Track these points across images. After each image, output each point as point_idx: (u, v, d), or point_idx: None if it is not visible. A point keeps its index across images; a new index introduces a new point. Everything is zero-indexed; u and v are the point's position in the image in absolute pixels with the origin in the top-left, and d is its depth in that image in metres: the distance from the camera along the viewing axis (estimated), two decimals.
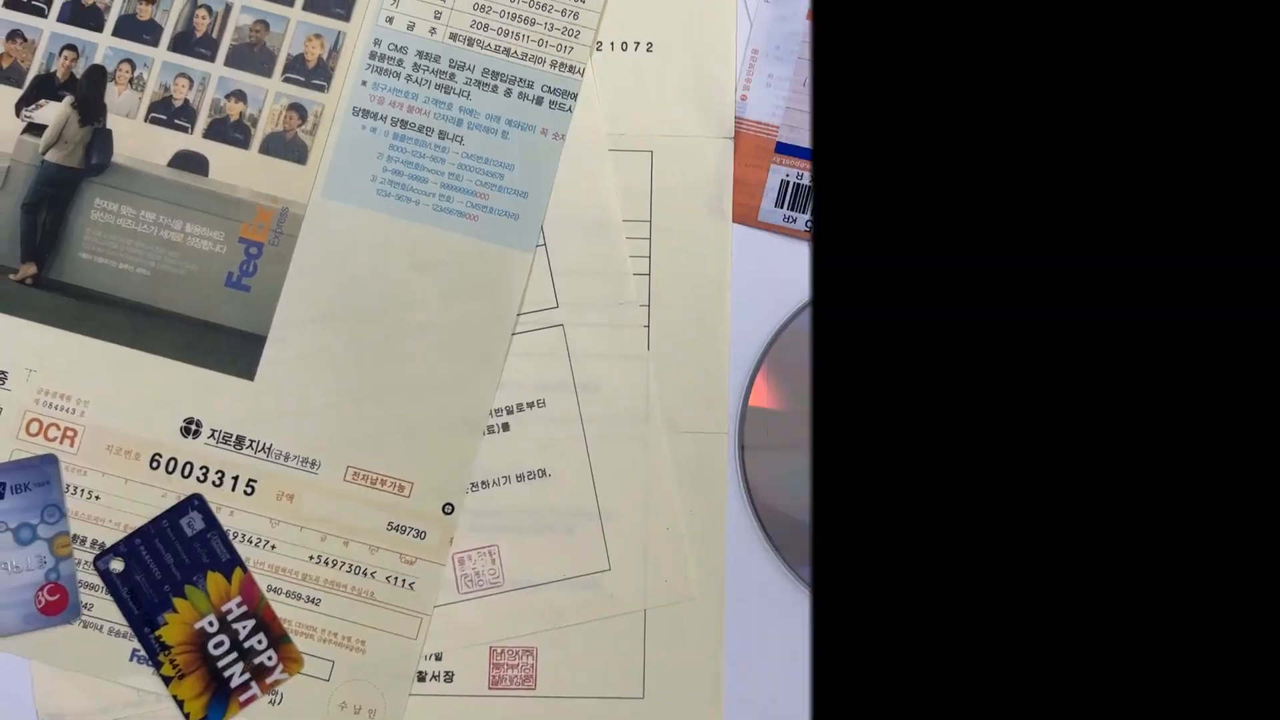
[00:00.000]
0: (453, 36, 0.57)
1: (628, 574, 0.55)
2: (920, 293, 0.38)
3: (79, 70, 0.57)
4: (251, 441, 0.55)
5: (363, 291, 0.56)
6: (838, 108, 0.39)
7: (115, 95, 0.57)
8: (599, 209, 0.57)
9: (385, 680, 0.54)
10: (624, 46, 0.58)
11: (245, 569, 0.54)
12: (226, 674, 0.53)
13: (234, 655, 0.54)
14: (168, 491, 0.55)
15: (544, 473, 0.55)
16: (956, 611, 0.37)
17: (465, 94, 0.57)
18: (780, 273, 0.57)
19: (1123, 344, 0.37)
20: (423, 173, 0.56)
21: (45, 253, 0.56)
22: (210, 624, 0.54)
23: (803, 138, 0.57)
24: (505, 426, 0.55)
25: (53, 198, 0.56)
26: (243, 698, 0.54)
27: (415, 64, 0.57)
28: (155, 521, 0.54)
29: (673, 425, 0.56)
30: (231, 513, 0.55)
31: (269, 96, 0.57)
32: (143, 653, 0.54)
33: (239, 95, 0.57)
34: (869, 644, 0.38)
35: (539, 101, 0.57)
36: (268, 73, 0.57)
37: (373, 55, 0.57)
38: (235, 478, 0.55)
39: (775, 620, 0.55)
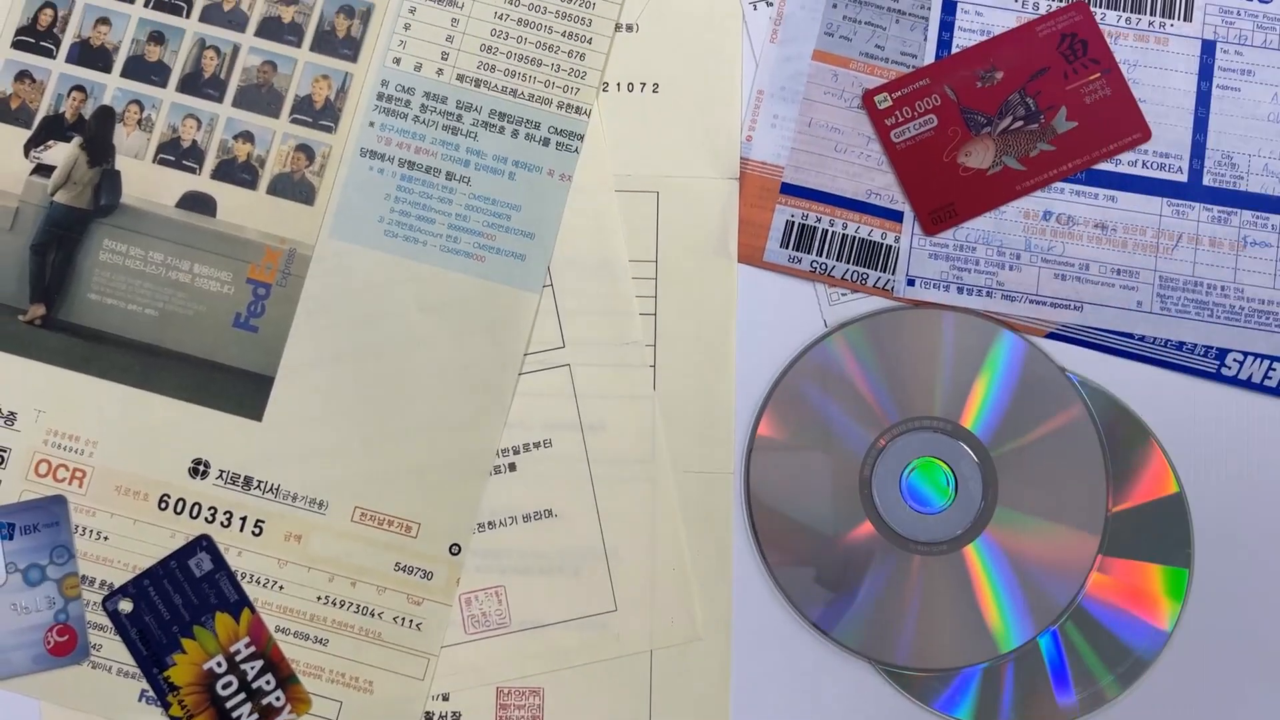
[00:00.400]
0: (460, 78, 0.57)
1: (634, 614, 0.55)
2: None
3: (87, 111, 0.57)
4: (260, 482, 0.55)
5: (370, 332, 0.56)
6: None
7: (124, 136, 0.57)
8: (605, 249, 0.57)
9: None
10: (630, 88, 0.58)
11: (253, 610, 0.54)
12: (235, 714, 0.54)
13: (242, 696, 0.54)
14: (176, 532, 0.55)
15: (550, 513, 0.55)
16: None
17: (472, 135, 0.57)
18: (785, 313, 0.57)
19: None
20: (430, 213, 0.57)
21: (54, 294, 0.56)
22: (219, 664, 0.54)
23: (808, 178, 0.58)
24: (512, 467, 0.56)
25: (61, 239, 0.56)
26: None
27: (422, 105, 0.57)
28: (164, 562, 0.55)
29: (679, 465, 0.56)
30: (240, 553, 0.55)
31: (276, 137, 0.57)
32: (151, 693, 0.54)
33: (247, 136, 0.57)
34: None
35: (545, 143, 0.57)
36: (275, 113, 0.57)
37: (380, 96, 0.57)
38: (243, 518, 0.55)
39: (782, 661, 0.55)
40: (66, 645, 0.54)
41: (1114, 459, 0.55)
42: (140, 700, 0.54)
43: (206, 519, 0.55)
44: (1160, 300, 0.57)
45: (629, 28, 0.58)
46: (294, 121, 0.57)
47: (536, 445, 0.56)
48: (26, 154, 0.57)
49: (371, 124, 0.57)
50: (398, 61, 0.57)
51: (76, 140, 0.57)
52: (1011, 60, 0.58)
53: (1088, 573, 0.54)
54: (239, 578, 0.55)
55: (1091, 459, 0.55)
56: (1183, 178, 0.57)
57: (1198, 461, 0.56)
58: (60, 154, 0.57)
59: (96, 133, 0.57)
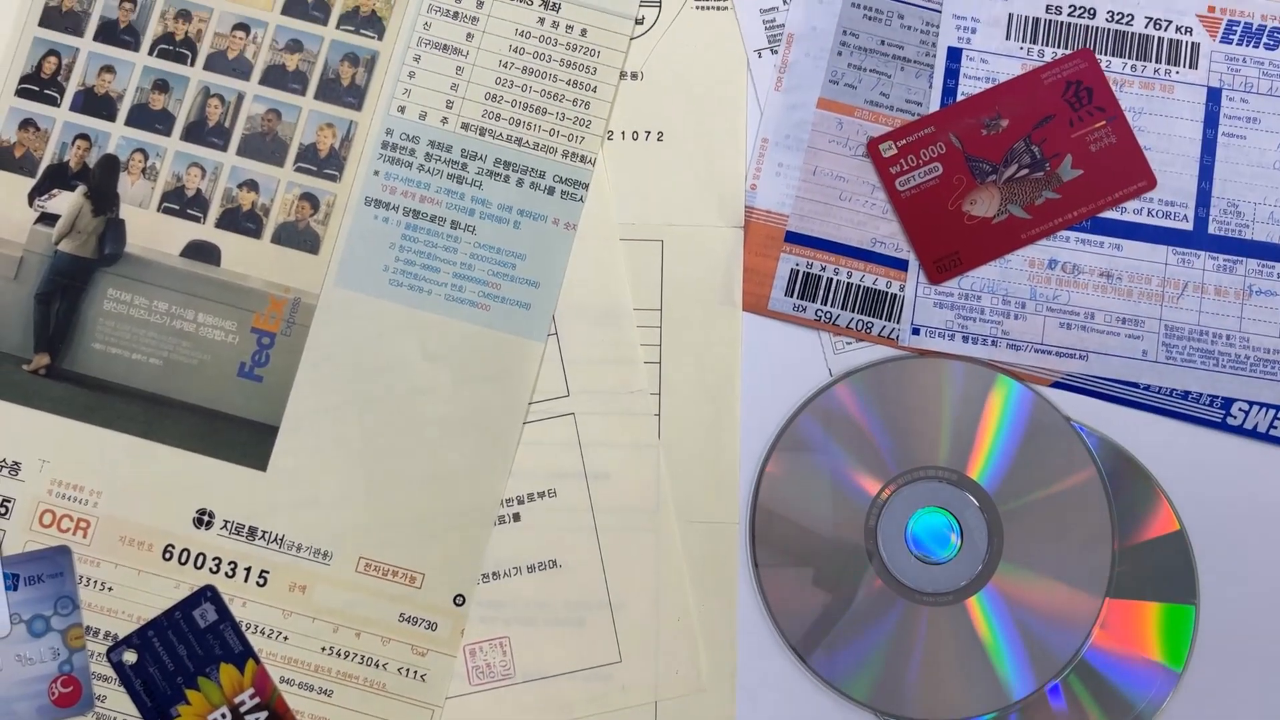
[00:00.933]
0: (464, 126, 0.57)
1: (639, 666, 0.55)
2: None
3: (92, 160, 0.57)
4: (264, 532, 0.55)
5: (375, 381, 0.56)
6: None
7: (128, 185, 0.57)
8: (610, 298, 0.57)
9: None
10: (635, 136, 0.58)
11: (258, 660, 0.54)
12: None
13: None
14: (180, 583, 0.55)
15: (555, 563, 0.55)
16: None
17: (477, 184, 0.57)
18: (790, 361, 0.57)
19: None
20: (435, 262, 0.57)
21: (58, 343, 0.56)
22: (223, 716, 0.54)
23: (812, 226, 0.58)
24: (516, 517, 0.56)
25: (66, 288, 0.56)
26: None
27: (427, 154, 0.57)
28: (168, 613, 0.54)
29: (684, 515, 0.56)
30: (244, 604, 0.55)
31: (281, 186, 0.57)
32: None
33: (251, 185, 0.57)
34: None
35: (551, 191, 0.57)
36: (280, 162, 0.57)
37: (385, 145, 0.57)
38: (248, 569, 0.55)
39: (787, 712, 0.55)
40: (71, 696, 0.54)
41: (1119, 506, 0.55)
42: None
43: (211, 569, 0.55)
44: (1166, 349, 0.57)
45: (634, 76, 0.58)
46: (298, 170, 0.57)
47: (541, 495, 0.56)
48: (31, 203, 0.57)
49: (376, 172, 0.57)
50: (402, 110, 0.57)
51: (81, 189, 0.57)
52: (1017, 108, 0.58)
53: (1091, 628, 0.54)
54: (244, 628, 0.55)
55: (1099, 519, 0.55)
56: (1188, 226, 0.57)
57: (1203, 509, 0.56)
58: (65, 203, 0.57)
59: (101, 181, 0.57)
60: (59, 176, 0.57)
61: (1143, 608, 0.55)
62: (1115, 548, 0.55)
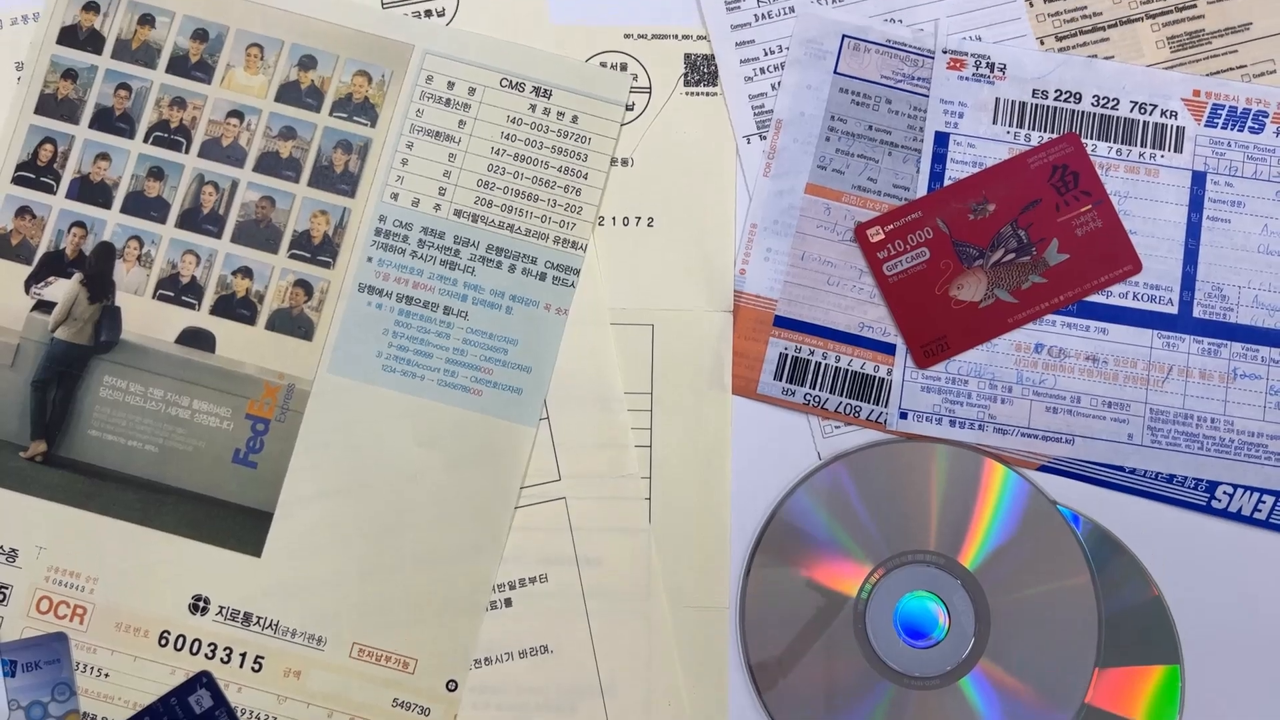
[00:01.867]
0: (457, 213, 0.58)
1: None
2: None
3: (88, 247, 0.58)
4: (259, 618, 0.56)
5: (368, 466, 0.57)
6: None
7: (123, 272, 0.57)
8: (601, 382, 0.58)
9: None
10: (625, 221, 0.59)
11: None
12: None
13: None
14: (176, 669, 0.55)
15: (546, 649, 0.56)
16: None
17: (470, 270, 0.58)
18: (780, 445, 0.58)
19: None
20: (428, 348, 0.57)
21: (55, 430, 0.57)
22: None
23: (801, 311, 0.58)
24: (508, 602, 0.56)
25: (62, 375, 0.57)
26: None
27: (420, 240, 0.58)
28: (164, 699, 0.55)
29: (675, 599, 0.56)
30: (240, 689, 0.55)
31: (275, 273, 0.58)
32: None
33: (246, 271, 0.58)
34: None
35: (542, 277, 0.58)
36: (274, 249, 0.58)
37: (378, 231, 0.58)
38: (243, 654, 0.55)
39: None
40: None
41: (1102, 584, 0.56)
42: None
43: (206, 655, 0.55)
44: (1151, 433, 0.57)
45: (624, 162, 0.59)
46: (292, 256, 0.58)
47: (533, 580, 0.56)
48: (27, 290, 0.57)
49: (370, 259, 0.58)
50: (395, 196, 0.58)
51: (77, 276, 0.57)
52: (1003, 192, 0.59)
53: (1079, 709, 0.55)
54: (239, 714, 0.55)
55: (1085, 604, 0.55)
56: (1173, 309, 0.58)
57: (1188, 591, 0.56)
58: (61, 290, 0.57)
59: (97, 269, 0.57)
60: (55, 264, 0.58)
61: (1129, 672, 0.56)
62: (1102, 634, 0.55)
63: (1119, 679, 0.56)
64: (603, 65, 0.59)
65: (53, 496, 0.56)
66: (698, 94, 0.59)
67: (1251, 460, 0.57)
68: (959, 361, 0.58)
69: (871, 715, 0.56)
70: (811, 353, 0.58)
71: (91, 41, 0.59)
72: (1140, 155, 0.59)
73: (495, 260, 0.58)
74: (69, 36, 0.59)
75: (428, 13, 0.59)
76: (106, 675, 0.55)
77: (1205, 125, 0.59)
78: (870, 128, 0.59)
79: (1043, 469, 0.57)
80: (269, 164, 0.58)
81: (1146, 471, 0.57)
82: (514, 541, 0.56)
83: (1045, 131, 0.59)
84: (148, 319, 0.57)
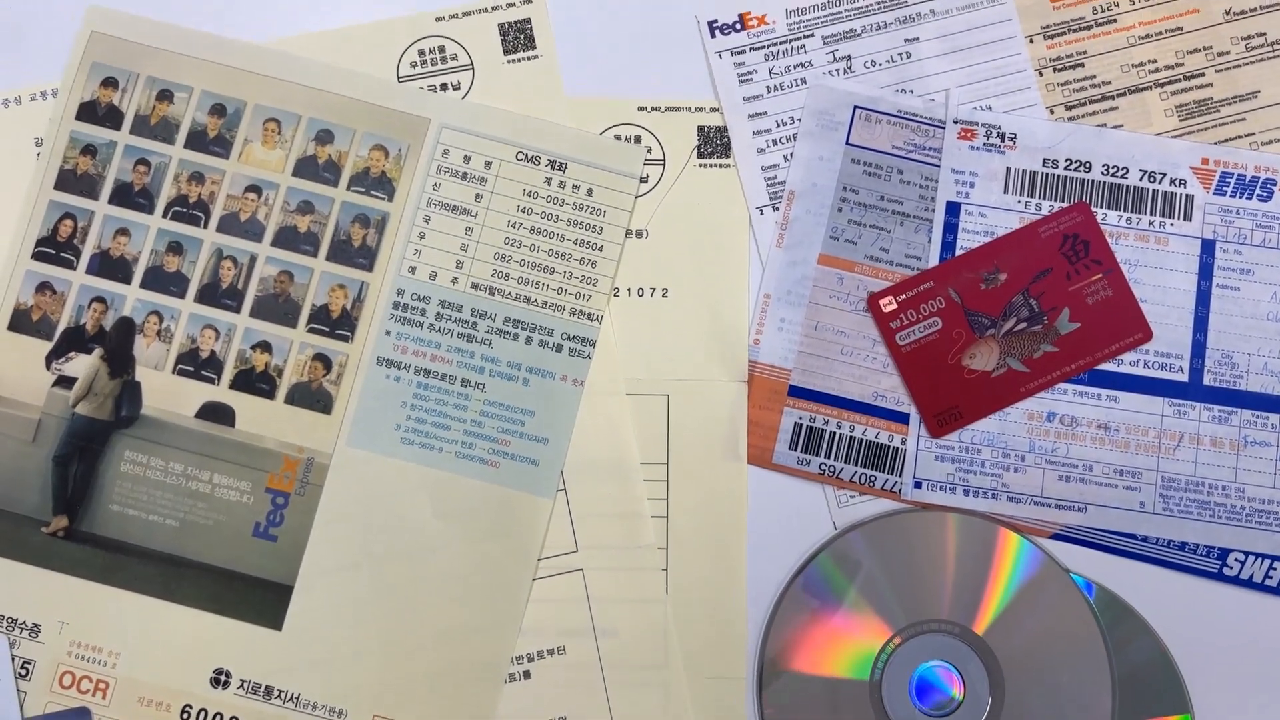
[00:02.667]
0: (474, 286, 0.58)
1: None
2: None
3: (108, 322, 0.58)
4: (280, 691, 0.56)
5: (387, 539, 0.57)
6: None
7: (143, 347, 0.58)
8: (617, 453, 0.58)
9: None
10: (640, 292, 0.59)
11: None
12: None
13: None
14: None
15: None
16: None
17: (487, 342, 0.58)
18: (795, 515, 0.58)
19: None
20: (446, 420, 0.58)
21: (76, 505, 0.57)
22: None
23: (815, 381, 0.59)
24: (527, 674, 0.57)
25: (83, 450, 0.57)
26: None
27: (438, 313, 0.58)
28: None
29: (692, 669, 0.57)
30: None
31: (294, 347, 0.58)
32: None
33: (265, 346, 0.58)
34: None
35: (559, 349, 0.58)
36: (293, 323, 0.58)
37: (396, 305, 0.58)
38: None
39: None
40: None
41: (1113, 646, 0.56)
42: None
43: None
44: (1163, 501, 0.58)
45: (639, 234, 0.59)
46: (311, 331, 0.58)
47: (550, 652, 0.57)
48: (48, 366, 0.58)
49: (388, 332, 0.58)
50: (413, 270, 0.59)
51: (97, 352, 0.58)
52: (1015, 262, 0.59)
53: None
54: None
55: (1098, 674, 0.56)
56: (1184, 377, 0.59)
57: (1199, 656, 0.57)
58: (81, 366, 0.58)
59: (117, 344, 0.58)
60: (76, 339, 0.58)
61: None
62: (1116, 699, 0.56)
63: None
64: (617, 138, 0.60)
65: (74, 571, 0.57)
66: (711, 165, 0.60)
67: (1262, 527, 0.58)
68: (972, 430, 0.58)
69: None
70: (826, 422, 0.59)
71: (110, 117, 0.59)
72: (1150, 224, 0.60)
73: (512, 332, 0.58)
74: (88, 112, 0.59)
75: (443, 86, 0.60)
76: None
77: (1214, 193, 0.60)
78: (882, 198, 0.60)
79: (1055, 537, 0.58)
80: (287, 238, 0.59)
81: (1158, 539, 0.58)
82: (532, 613, 0.57)
83: (1056, 200, 0.60)
84: (168, 394, 0.58)
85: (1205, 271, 0.59)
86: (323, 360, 0.58)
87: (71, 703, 0.56)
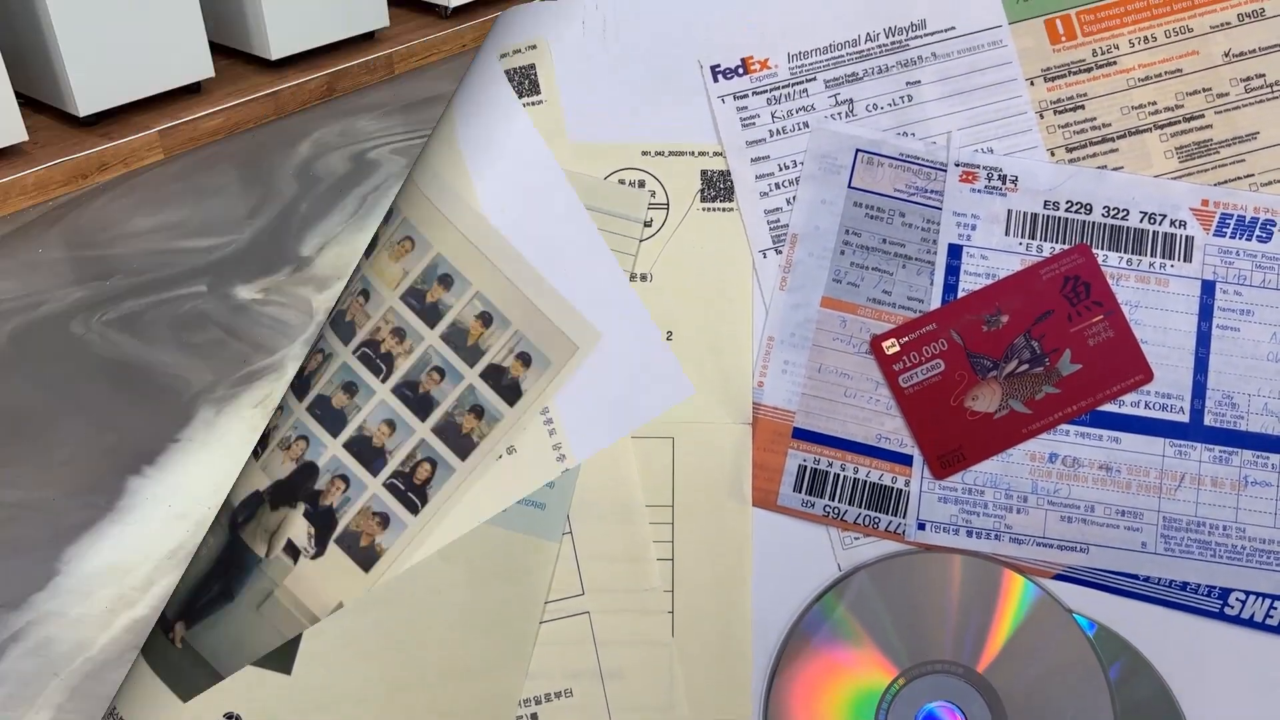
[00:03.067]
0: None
1: None
2: None
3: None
4: None
5: (392, 582, 0.57)
6: None
7: None
8: (623, 495, 0.58)
9: None
10: None
11: None
12: None
13: None
14: None
15: None
16: None
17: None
18: (800, 556, 0.59)
19: None
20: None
21: None
22: None
23: (818, 423, 0.59)
24: (534, 717, 0.57)
25: None
26: None
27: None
28: None
29: (698, 711, 0.57)
30: None
31: None
32: None
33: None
34: None
35: None
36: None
37: None
38: None
39: None
40: None
41: (1118, 695, 0.57)
42: None
43: None
44: (1164, 541, 0.58)
45: (643, 277, 0.60)
46: None
47: (557, 695, 0.57)
48: None
49: None
50: None
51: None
52: (1016, 304, 0.59)
53: None
54: None
55: (1100, 715, 0.56)
56: (1184, 418, 0.59)
57: (1201, 698, 0.57)
58: None
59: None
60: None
61: None
62: None
63: None
64: (621, 182, 0.60)
65: None
66: (714, 209, 0.60)
67: (1263, 567, 0.58)
68: (975, 472, 0.59)
69: None
70: (830, 464, 0.59)
71: None
72: (1150, 265, 0.60)
73: None
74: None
75: None
76: None
77: (1214, 234, 0.60)
78: (884, 241, 0.60)
79: (1058, 578, 0.58)
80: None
81: (1160, 579, 0.58)
82: (538, 656, 0.57)
83: (1057, 242, 0.60)
84: None
85: (1205, 312, 0.60)
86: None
87: None
